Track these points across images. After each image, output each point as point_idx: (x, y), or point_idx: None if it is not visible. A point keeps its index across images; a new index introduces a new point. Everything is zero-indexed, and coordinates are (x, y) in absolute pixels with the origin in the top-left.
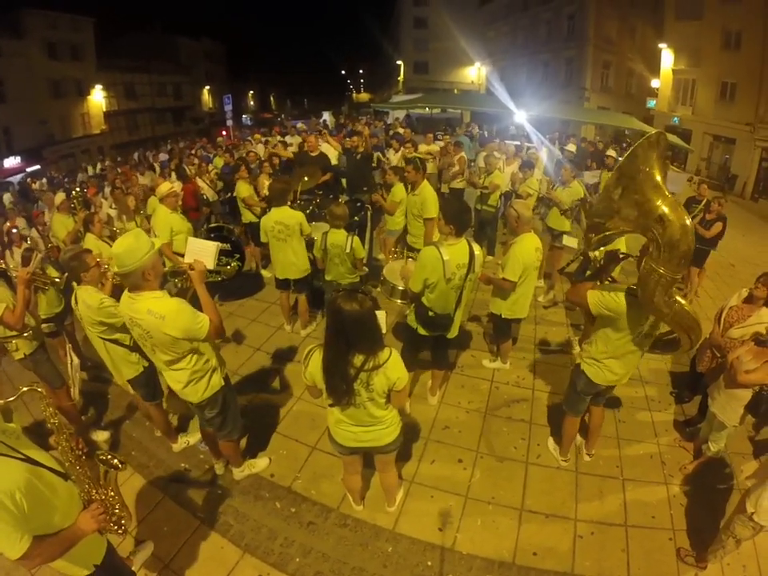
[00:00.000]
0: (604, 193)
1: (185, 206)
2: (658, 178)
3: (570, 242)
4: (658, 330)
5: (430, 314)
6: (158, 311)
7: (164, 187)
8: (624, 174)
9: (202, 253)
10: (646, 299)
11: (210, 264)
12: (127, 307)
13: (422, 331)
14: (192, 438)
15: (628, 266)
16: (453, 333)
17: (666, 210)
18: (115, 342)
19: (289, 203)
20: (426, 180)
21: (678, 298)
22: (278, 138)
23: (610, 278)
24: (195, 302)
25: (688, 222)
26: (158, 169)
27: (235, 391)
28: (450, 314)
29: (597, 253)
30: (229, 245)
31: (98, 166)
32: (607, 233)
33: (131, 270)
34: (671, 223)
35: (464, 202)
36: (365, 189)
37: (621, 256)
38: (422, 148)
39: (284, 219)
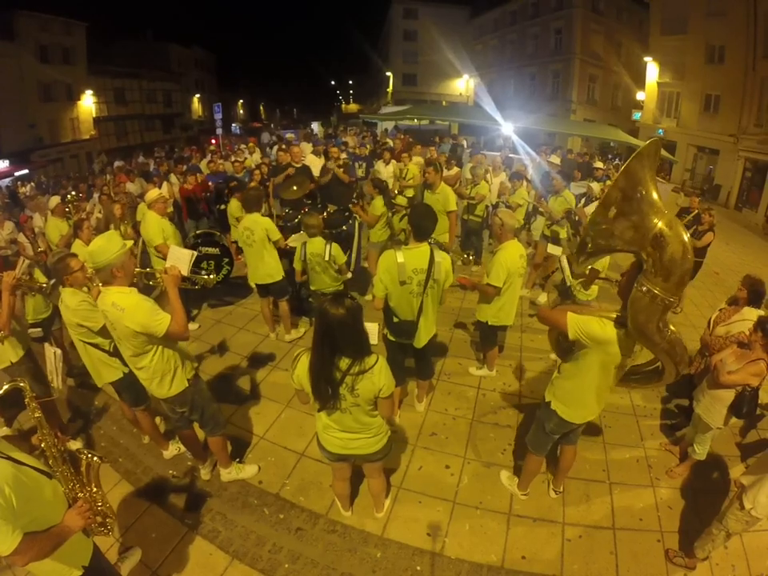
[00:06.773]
0: (599, 208)
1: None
2: (654, 192)
3: (554, 250)
4: (633, 360)
5: (395, 319)
6: (120, 304)
7: (152, 193)
8: (623, 186)
9: (180, 260)
10: (638, 326)
11: (185, 271)
12: (100, 300)
13: (390, 337)
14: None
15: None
16: (419, 342)
17: (664, 226)
18: (95, 345)
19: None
20: (443, 182)
21: (671, 326)
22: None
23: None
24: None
25: (687, 238)
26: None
27: (207, 390)
28: (414, 321)
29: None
30: (218, 249)
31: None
32: (595, 251)
33: (101, 266)
34: (672, 240)
35: (431, 209)
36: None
37: (600, 279)
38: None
39: (251, 225)
